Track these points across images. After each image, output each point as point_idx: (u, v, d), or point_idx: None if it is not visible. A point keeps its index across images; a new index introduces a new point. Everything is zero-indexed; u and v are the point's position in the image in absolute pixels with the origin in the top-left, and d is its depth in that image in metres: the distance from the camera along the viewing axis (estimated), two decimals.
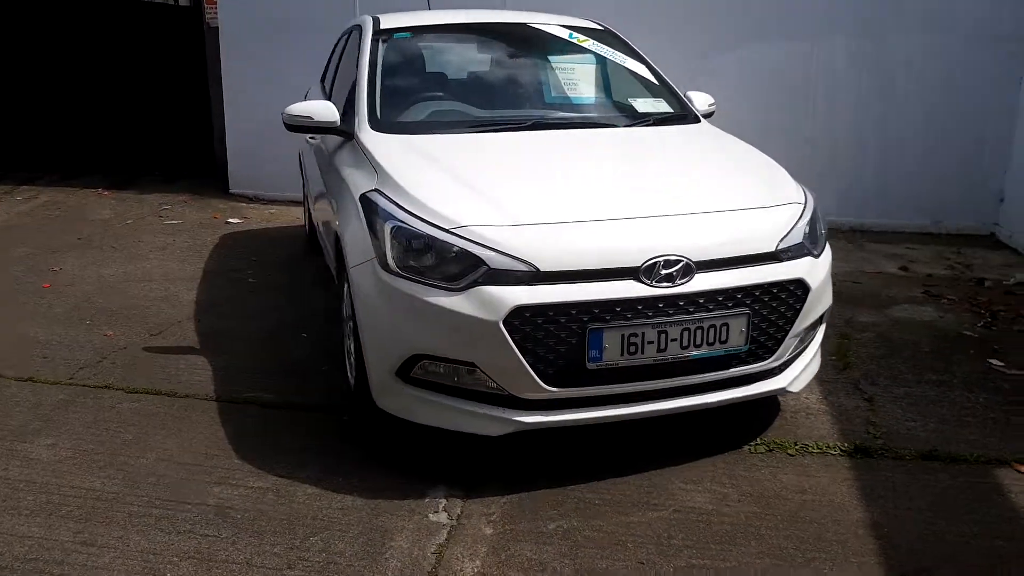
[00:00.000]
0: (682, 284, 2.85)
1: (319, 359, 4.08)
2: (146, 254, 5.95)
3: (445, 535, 2.72)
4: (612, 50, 4.33)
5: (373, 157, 3.38)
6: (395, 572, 2.55)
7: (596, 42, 4.34)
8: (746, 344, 2.97)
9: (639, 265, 2.82)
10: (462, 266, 2.81)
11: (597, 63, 4.33)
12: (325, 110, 3.81)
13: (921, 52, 6.37)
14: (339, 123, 3.79)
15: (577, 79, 4.27)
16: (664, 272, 2.83)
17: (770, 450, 3.22)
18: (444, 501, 2.91)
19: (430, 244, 2.87)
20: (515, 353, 2.76)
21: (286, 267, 5.63)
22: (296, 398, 3.66)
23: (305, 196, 6.07)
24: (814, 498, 2.92)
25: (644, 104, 4.05)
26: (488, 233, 2.84)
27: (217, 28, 7.50)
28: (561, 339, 2.78)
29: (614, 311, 2.79)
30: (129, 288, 5.19)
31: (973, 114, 6.37)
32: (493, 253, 2.79)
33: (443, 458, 3.15)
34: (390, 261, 2.92)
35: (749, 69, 6.57)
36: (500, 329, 2.74)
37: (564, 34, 4.39)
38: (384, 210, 3.04)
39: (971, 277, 5.42)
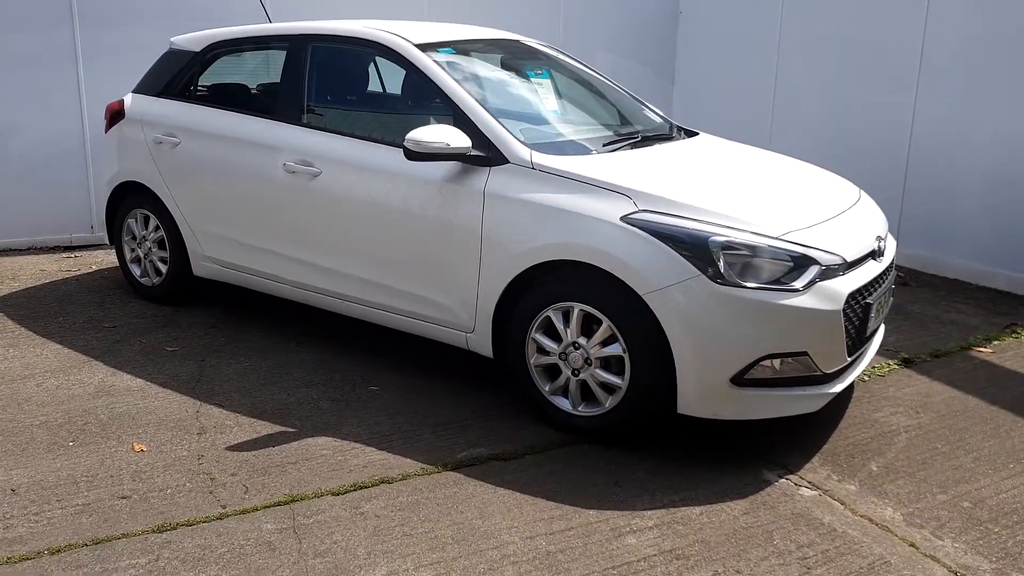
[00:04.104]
0: (884, 257, 3.65)
1: (437, 405, 3.74)
2: None
3: (837, 502, 3.12)
4: (588, 68, 4.69)
5: (601, 180, 3.36)
6: (861, 532, 2.91)
7: (570, 60, 4.64)
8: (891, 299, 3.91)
9: (875, 247, 3.54)
10: (799, 267, 3.17)
11: (595, 81, 4.63)
12: (458, 136, 3.51)
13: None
14: (472, 149, 3.54)
15: (601, 95, 4.52)
16: (881, 249, 3.60)
17: (869, 378, 4.22)
18: (783, 481, 3.25)
19: (767, 253, 3.14)
20: (842, 334, 3.26)
21: (181, 326, 4.58)
22: (511, 445, 3.41)
23: (131, 238, 4.94)
24: (949, 396, 3.98)
25: (655, 117, 4.53)
26: (808, 235, 3.25)
27: None
28: (858, 315, 3.36)
29: (874, 286, 3.47)
30: (32, 392, 3.76)
31: None
32: (821, 252, 3.22)
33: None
34: (726, 274, 3.10)
35: None
36: (839, 316, 3.21)
37: (551, 51, 4.57)
38: (689, 229, 3.16)
39: None
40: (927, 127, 5.96)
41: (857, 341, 3.42)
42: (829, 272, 3.23)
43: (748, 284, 3.12)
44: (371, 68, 4.37)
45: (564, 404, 3.50)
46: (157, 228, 4.77)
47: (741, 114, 7.30)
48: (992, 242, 5.69)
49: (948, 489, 3.24)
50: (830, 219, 3.47)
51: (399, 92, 4.22)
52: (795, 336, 3.19)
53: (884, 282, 3.60)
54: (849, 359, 3.39)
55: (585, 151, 3.70)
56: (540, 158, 3.51)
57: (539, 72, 4.56)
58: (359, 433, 3.48)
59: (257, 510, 2.92)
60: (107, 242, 5.21)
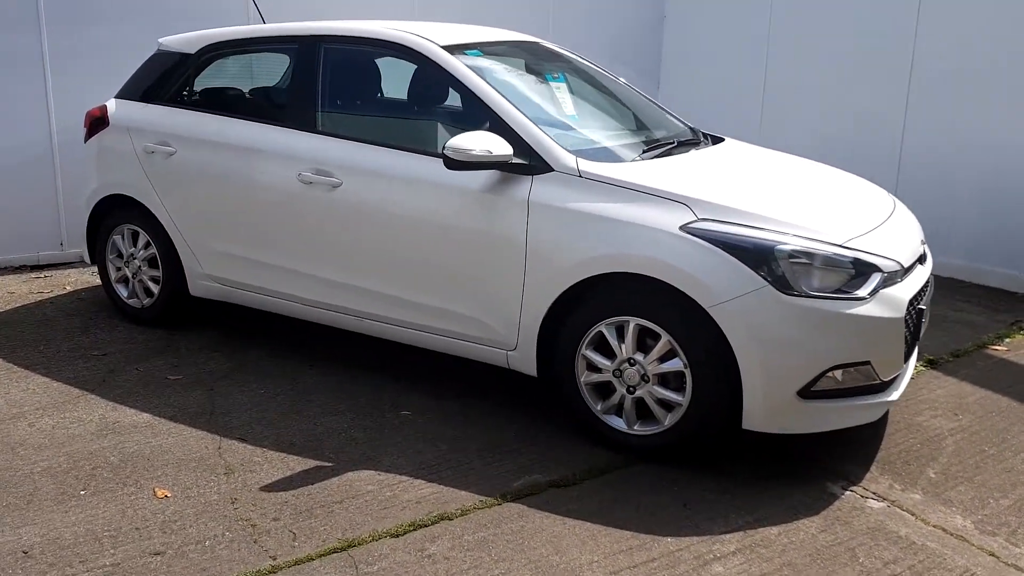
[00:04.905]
0: (928, 262, 3.60)
1: (476, 429, 3.56)
2: None
3: (907, 513, 3.04)
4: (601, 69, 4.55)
5: (654, 188, 3.22)
6: (939, 544, 2.84)
7: (587, 63, 4.49)
8: None
9: (922, 252, 3.49)
10: (861, 275, 3.09)
11: (612, 85, 4.48)
12: (500, 143, 3.33)
13: None
14: (514, 157, 3.36)
15: (618, 99, 4.37)
16: (925, 254, 3.55)
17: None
18: (849, 493, 3.16)
19: (833, 262, 3.05)
20: (901, 342, 3.18)
21: (180, 351, 4.28)
22: (566, 470, 3.25)
23: (116, 256, 4.63)
24: (981, 396, 3.98)
25: (678, 123, 4.39)
26: (866, 242, 3.17)
27: None
28: (913, 320, 3.30)
29: (923, 291, 3.41)
30: (26, 434, 3.46)
31: None
32: (883, 259, 3.14)
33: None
34: (793, 284, 3.00)
35: None
36: (901, 323, 3.14)
37: (569, 54, 4.41)
38: (753, 238, 3.05)
39: None
40: (917, 131, 5.99)
41: (911, 347, 3.36)
42: (889, 279, 3.15)
43: (815, 293, 3.03)
44: (383, 71, 4.14)
45: (618, 423, 3.35)
46: (148, 245, 4.45)
47: (728, 119, 7.22)
48: (985, 239, 5.75)
49: (1008, 493, 3.20)
50: (880, 225, 3.40)
51: (419, 97, 4.00)
52: (861, 345, 3.10)
53: (929, 287, 3.55)
54: (904, 365, 3.33)
55: (627, 158, 3.56)
56: (587, 165, 3.35)
57: (556, 75, 4.40)
58: (402, 464, 3.27)
59: (312, 559, 2.69)
60: (84, 260, 4.86)
